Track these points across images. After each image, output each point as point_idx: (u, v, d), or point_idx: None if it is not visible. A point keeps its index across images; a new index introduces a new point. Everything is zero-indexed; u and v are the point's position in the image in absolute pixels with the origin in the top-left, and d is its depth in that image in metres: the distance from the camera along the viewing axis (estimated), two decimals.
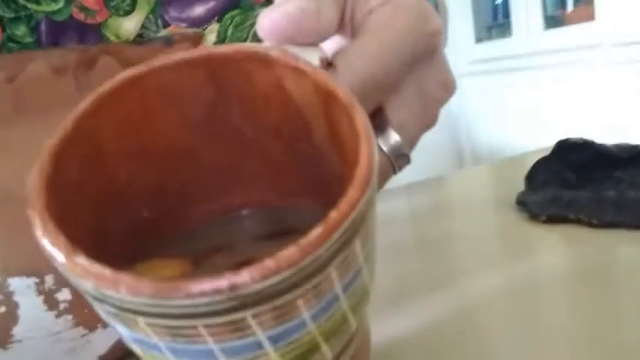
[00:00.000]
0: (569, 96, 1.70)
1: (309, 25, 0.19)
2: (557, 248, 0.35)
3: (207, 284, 0.11)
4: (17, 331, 0.23)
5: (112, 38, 0.46)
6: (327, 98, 0.17)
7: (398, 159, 0.22)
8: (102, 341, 0.25)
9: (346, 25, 0.22)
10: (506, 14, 2.05)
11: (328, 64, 0.20)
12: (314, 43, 0.19)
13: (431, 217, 0.48)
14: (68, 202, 0.16)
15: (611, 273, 0.30)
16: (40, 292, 0.23)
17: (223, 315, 0.12)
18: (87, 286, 0.12)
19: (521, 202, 0.42)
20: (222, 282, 0.11)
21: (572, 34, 1.69)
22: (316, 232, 0.13)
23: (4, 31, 0.38)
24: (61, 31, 0.44)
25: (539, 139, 1.77)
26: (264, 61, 0.17)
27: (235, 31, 0.48)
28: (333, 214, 0.14)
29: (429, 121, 0.23)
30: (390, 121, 0.22)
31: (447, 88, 0.23)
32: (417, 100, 0.22)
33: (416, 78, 0.22)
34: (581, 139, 0.43)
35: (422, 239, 0.42)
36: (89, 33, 0.45)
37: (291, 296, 0.13)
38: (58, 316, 0.23)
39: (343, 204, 0.14)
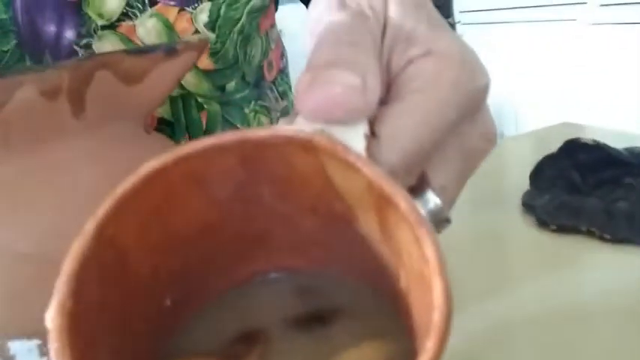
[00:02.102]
0: (551, 53, 1.68)
1: (356, 105, 0.17)
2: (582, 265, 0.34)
3: None
4: None
5: (94, 17, 0.42)
6: (383, 201, 0.15)
7: (438, 224, 0.20)
8: None
9: (382, 72, 0.19)
10: None
11: (371, 133, 0.18)
12: (359, 120, 0.17)
13: None
14: (90, 327, 0.14)
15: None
16: (43, 353, 0.21)
17: None
18: None
19: (528, 205, 0.41)
20: None
21: None
22: None
23: None
24: (38, 9, 0.40)
25: (521, 97, 1.76)
26: (305, 147, 0.15)
27: (228, 10, 0.44)
28: None
29: (469, 177, 0.21)
30: (430, 183, 0.20)
31: (490, 139, 0.21)
32: (459, 158, 0.20)
33: (459, 135, 0.20)
34: (592, 140, 0.42)
35: None
36: (68, 11, 0.41)
37: None
38: None
39: None
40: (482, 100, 0.20)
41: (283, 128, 0.16)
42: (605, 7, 1.45)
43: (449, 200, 0.20)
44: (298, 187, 0.17)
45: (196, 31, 0.44)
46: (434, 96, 0.18)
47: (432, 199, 0.20)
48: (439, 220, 0.20)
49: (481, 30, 1.92)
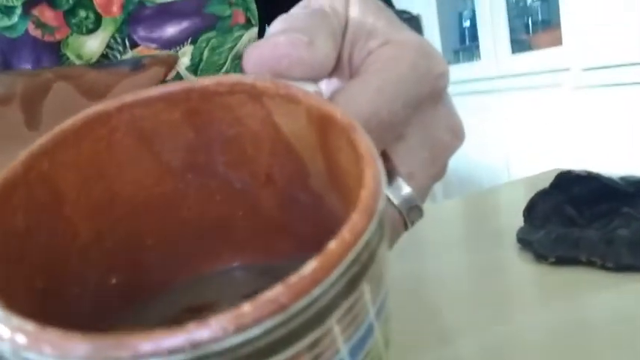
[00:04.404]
0: (537, 119, 1.71)
1: (301, 56, 0.17)
2: (578, 295, 0.32)
3: (160, 340, 0.09)
4: None
5: (73, 59, 0.41)
6: (323, 125, 0.15)
7: (410, 212, 0.19)
8: None
9: (344, 67, 0.20)
10: (474, 38, 2.07)
11: None
12: (308, 79, 0.17)
13: (410, 256, 0.44)
14: (8, 256, 0.14)
15: None
16: None
17: None
18: (2, 347, 0.10)
19: (524, 240, 0.39)
20: (180, 338, 0.09)
21: (540, 58, 1.72)
22: (311, 266, 0.10)
23: None
24: (14, 49, 0.39)
25: (509, 163, 1.77)
26: (250, 92, 0.15)
27: (212, 55, 0.44)
28: (333, 245, 0.11)
29: (438, 170, 0.21)
30: (397, 170, 0.19)
31: (456, 134, 0.21)
32: (425, 147, 0.20)
33: (422, 123, 0.20)
34: (585, 171, 0.41)
35: (402, 280, 0.38)
36: (46, 52, 0.40)
37: (278, 358, 0.10)
38: None
39: (346, 232, 0.11)
40: (442, 88, 0.20)
41: (227, 75, 0.15)
42: (587, 71, 1.49)
43: (418, 188, 0.20)
44: (250, 149, 0.16)
45: (178, 75, 0.44)
46: (390, 72, 0.18)
47: (403, 187, 0.19)
48: (411, 207, 0.19)
49: (473, 99, 1.97)
